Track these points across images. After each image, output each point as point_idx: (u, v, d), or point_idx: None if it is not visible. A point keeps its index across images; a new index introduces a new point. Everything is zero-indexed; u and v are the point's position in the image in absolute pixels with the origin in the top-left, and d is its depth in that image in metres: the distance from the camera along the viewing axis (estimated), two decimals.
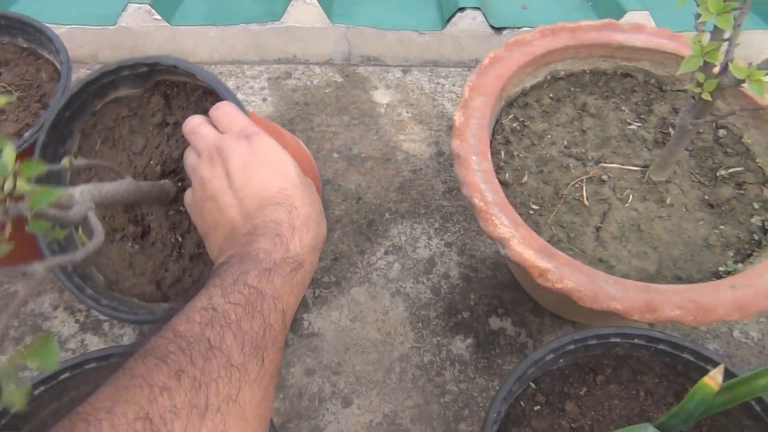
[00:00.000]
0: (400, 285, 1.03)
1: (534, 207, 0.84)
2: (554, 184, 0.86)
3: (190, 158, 0.64)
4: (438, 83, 1.36)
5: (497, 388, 0.90)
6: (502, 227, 0.75)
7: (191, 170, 0.63)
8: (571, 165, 0.88)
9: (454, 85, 1.36)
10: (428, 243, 1.08)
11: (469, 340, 0.97)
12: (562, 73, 1.00)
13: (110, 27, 1.34)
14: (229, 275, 0.45)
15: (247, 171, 0.56)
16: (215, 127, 0.65)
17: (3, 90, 0.95)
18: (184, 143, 0.81)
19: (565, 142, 0.91)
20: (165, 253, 0.80)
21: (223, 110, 0.64)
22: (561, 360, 0.69)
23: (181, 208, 0.80)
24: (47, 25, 0.98)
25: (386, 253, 1.07)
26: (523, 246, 0.73)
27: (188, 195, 0.65)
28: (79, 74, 1.35)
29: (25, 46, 1.01)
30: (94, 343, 0.96)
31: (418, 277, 1.04)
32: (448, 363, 0.95)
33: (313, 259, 0.54)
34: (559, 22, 0.99)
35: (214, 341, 0.40)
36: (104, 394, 0.37)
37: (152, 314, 0.75)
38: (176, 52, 1.35)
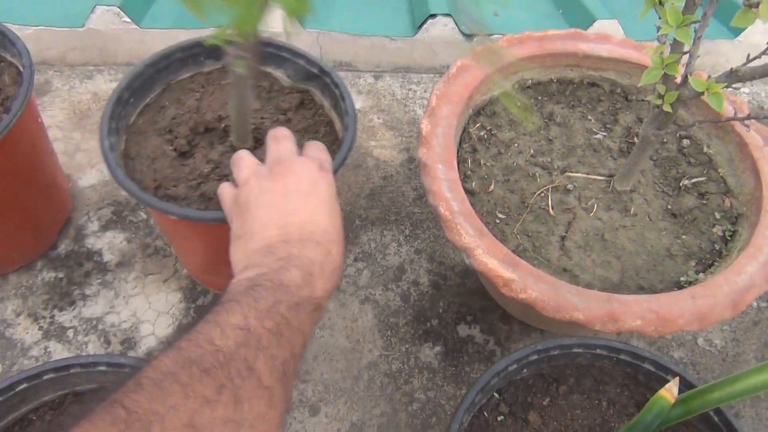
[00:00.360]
0: (369, 292, 1.03)
1: (500, 216, 0.85)
2: (520, 193, 0.87)
3: (250, 161, 0.65)
4: (410, 89, 1.36)
5: None
6: (467, 237, 0.75)
7: (250, 172, 0.63)
8: (537, 174, 0.88)
9: (425, 92, 1.36)
10: (398, 250, 1.08)
11: (438, 348, 0.97)
12: (530, 81, 1.00)
13: (78, 29, 1.32)
14: (263, 300, 0.47)
15: (305, 199, 0.57)
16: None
17: None
18: (270, 124, 0.91)
19: (532, 151, 0.92)
20: (186, 174, 0.85)
21: (317, 145, 0.68)
22: (524, 370, 0.70)
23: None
24: (12, 26, 0.96)
25: (356, 259, 1.07)
26: (488, 256, 0.73)
27: (229, 191, 0.65)
28: (47, 76, 1.33)
29: None
30: (58, 351, 0.95)
31: (387, 284, 1.04)
32: (417, 371, 0.95)
33: (325, 305, 0.56)
34: (526, 31, 0.99)
35: (249, 362, 0.42)
36: (152, 395, 0.38)
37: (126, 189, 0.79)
38: (145, 55, 1.33)
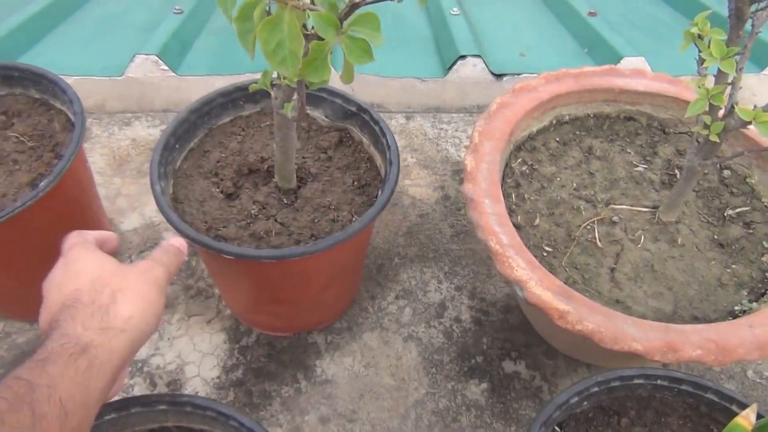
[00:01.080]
0: (412, 330, 1.03)
1: (547, 249, 0.85)
2: (566, 226, 0.87)
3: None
4: (441, 129, 1.38)
5: None
6: (519, 270, 0.75)
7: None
8: (581, 207, 0.89)
9: (456, 131, 1.38)
10: (438, 287, 1.08)
11: (484, 385, 0.96)
12: (567, 117, 1.02)
13: (117, 78, 1.36)
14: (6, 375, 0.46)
15: (51, 283, 0.57)
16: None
17: (16, 140, 0.96)
18: (312, 163, 0.96)
19: (575, 185, 0.92)
20: (235, 215, 0.87)
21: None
22: (585, 403, 0.69)
23: (284, 200, 0.90)
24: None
25: (397, 297, 1.07)
26: (541, 288, 0.73)
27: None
28: (86, 124, 1.36)
29: (37, 96, 1.02)
30: None
31: (429, 322, 1.04)
32: (464, 408, 0.94)
33: (112, 342, 0.52)
34: (562, 68, 1.01)
35: None
36: None
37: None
38: (183, 102, 1.37)
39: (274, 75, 0.75)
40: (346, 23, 0.46)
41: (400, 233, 1.17)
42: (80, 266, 0.57)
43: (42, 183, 0.84)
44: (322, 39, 0.46)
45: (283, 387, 0.95)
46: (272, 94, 0.75)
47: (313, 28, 0.47)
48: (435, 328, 1.03)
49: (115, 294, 0.55)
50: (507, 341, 1.02)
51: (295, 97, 0.70)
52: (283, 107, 0.74)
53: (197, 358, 0.99)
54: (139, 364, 0.97)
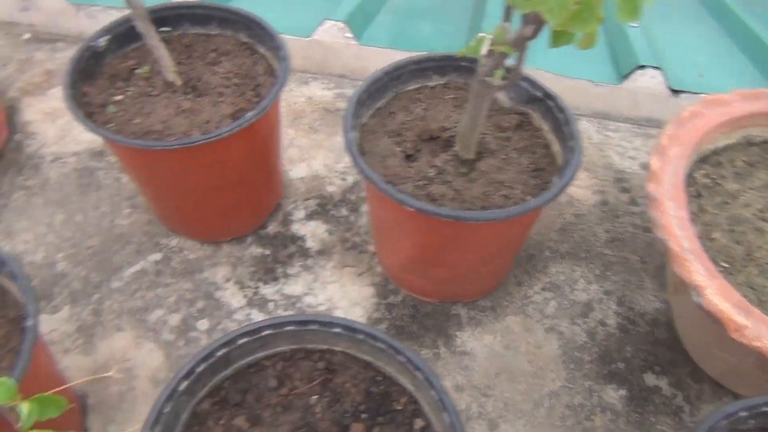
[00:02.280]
0: (555, 322, 1.02)
1: (723, 265, 0.82)
2: (746, 246, 0.84)
3: None
4: (606, 135, 1.36)
5: None
6: (698, 275, 0.74)
7: None
8: (766, 229, 0.86)
9: (622, 140, 1.35)
10: (587, 287, 1.08)
11: (622, 392, 0.95)
12: (758, 139, 0.98)
13: (304, 39, 1.44)
14: None
15: None
16: None
17: (223, 76, 1.04)
18: (491, 140, 0.97)
19: (760, 206, 0.89)
20: (413, 175, 0.91)
21: None
22: (752, 420, 0.66)
23: (461, 169, 0.92)
24: None
25: (543, 289, 1.07)
26: (719, 297, 0.72)
27: None
28: None
29: (245, 40, 1.11)
30: (258, 320, 1.02)
31: (574, 319, 1.03)
32: (599, 409, 0.93)
33: None
34: (761, 88, 0.98)
35: None
36: None
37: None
38: (360, 71, 1.43)
39: (484, 50, 0.78)
40: None
41: (554, 228, 1.17)
42: None
43: (249, 114, 0.92)
44: None
45: (423, 349, 0.98)
46: (481, 61, 0.78)
47: None
48: (579, 326, 1.02)
49: None
50: (651, 354, 0.99)
51: (512, 61, 0.72)
52: (490, 74, 0.77)
53: (346, 305, 1.04)
54: (293, 300, 1.04)
